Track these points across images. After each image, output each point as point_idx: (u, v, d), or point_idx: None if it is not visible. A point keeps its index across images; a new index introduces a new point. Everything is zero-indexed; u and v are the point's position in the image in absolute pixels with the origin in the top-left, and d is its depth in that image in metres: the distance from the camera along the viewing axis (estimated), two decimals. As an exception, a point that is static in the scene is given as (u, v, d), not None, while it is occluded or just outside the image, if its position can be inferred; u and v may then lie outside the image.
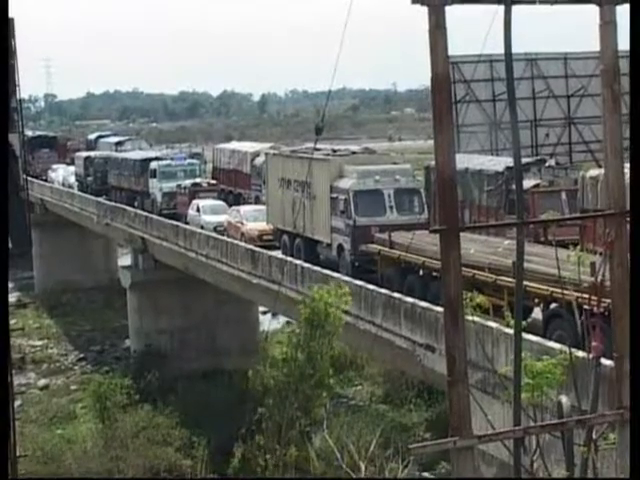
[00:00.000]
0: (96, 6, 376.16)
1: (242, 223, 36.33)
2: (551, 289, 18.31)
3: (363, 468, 19.05)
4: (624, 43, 6.78)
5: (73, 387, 37.07)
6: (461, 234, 6.36)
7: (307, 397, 21.31)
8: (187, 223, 39.51)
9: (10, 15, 22.67)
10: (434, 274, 22.99)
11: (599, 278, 7.98)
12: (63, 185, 61.95)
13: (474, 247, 22.14)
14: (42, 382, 38.14)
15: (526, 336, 13.34)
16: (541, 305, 20.13)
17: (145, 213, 40.44)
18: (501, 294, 20.08)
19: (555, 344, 14.30)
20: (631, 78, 6.71)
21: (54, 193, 54.40)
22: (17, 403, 27.80)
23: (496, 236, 24.55)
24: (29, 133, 78.07)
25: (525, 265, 8.09)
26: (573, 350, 9.23)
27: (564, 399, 7.50)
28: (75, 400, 34.82)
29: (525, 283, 18.08)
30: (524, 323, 8.41)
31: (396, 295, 20.25)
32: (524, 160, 28.07)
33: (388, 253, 25.72)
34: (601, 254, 7.66)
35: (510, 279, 19.47)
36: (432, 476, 24.11)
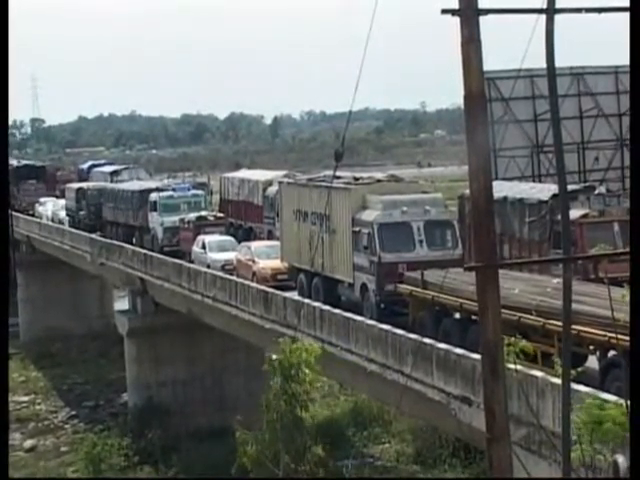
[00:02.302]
0: (89, 21, 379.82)
1: (253, 261, 36.34)
2: (608, 334, 18.12)
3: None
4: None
5: (64, 448, 37.04)
6: (504, 272, 6.35)
7: (296, 456, 21.23)
8: (191, 261, 39.58)
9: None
10: (473, 317, 22.91)
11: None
12: (52, 220, 62.26)
13: (518, 286, 22.08)
14: (29, 443, 38.12)
15: (576, 387, 13.25)
16: (597, 353, 19.97)
17: (144, 251, 40.53)
18: (551, 340, 19.95)
19: (611, 396, 14.17)
20: (631, 78, 6.74)
21: (42, 229, 54.67)
22: None
23: (541, 274, 24.43)
24: (14, 162, 78.66)
25: (577, 307, 8.05)
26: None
27: (621, 458, 7.44)
28: (66, 463, 34.78)
29: (578, 328, 17.98)
30: (575, 372, 8.34)
31: (427, 341, 20.17)
32: (570, 187, 28.02)
33: (420, 294, 25.66)
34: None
35: (561, 323, 19.35)
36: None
